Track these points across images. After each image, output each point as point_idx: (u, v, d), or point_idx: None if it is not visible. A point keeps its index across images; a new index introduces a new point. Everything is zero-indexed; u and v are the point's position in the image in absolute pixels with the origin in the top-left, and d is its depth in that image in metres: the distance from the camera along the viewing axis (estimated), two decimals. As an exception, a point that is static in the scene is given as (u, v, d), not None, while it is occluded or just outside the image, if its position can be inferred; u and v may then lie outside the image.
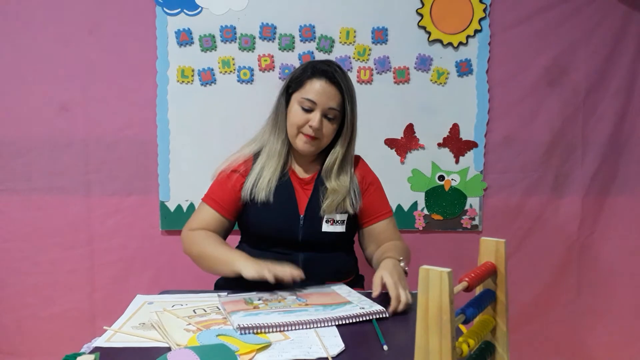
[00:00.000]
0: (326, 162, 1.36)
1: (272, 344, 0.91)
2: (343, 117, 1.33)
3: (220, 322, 1.04)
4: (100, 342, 0.92)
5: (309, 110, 1.28)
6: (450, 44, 1.91)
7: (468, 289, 0.71)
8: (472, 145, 1.96)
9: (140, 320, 1.05)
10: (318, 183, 1.35)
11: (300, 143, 1.31)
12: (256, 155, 1.37)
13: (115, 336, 0.96)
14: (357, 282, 1.45)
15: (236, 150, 1.41)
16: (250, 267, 1.15)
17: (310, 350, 0.88)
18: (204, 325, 1.01)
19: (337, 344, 0.91)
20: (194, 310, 1.11)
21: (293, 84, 1.33)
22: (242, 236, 1.45)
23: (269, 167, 1.33)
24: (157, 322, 1.02)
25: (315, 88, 1.28)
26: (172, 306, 1.14)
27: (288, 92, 1.34)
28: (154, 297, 1.21)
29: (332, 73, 1.29)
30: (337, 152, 1.35)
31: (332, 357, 0.86)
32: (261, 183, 1.31)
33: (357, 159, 1.45)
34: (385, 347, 0.92)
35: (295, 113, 1.30)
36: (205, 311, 1.11)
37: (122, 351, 0.89)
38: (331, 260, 1.35)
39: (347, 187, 1.34)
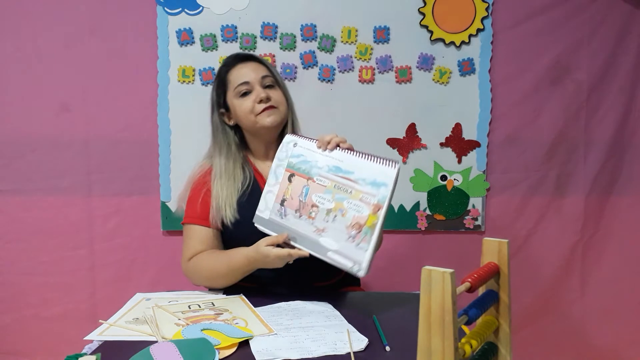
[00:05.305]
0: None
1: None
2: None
3: (211, 317, 1.06)
4: (94, 335, 0.97)
5: (249, 92, 1.32)
6: (452, 43, 1.90)
7: (471, 290, 0.70)
8: (474, 144, 1.95)
9: (135, 315, 1.08)
10: None
11: (264, 119, 1.31)
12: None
13: (108, 330, 1.00)
14: (352, 280, 1.43)
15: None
16: (276, 263, 1.16)
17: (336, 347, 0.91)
18: (195, 320, 1.03)
19: (360, 339, 0.94)
20: (188, 306, 1.14)
21: (219, 91, 1.37)
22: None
23: (224, 188, 1.31)
24: (151, 317, 1.04)
25: (240, 72, 1.34)
26: (169, 302, 1.16)
27: (219, 104, 1.37)
28: (152, 294, 1.24)
29: (242, 54, 1.39)
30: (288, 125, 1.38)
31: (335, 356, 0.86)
32: (223, 205, 1.29)
33: None
34: (387, 348, 0.91)
35: (240, 104, 1.32)
36: (200, 307, 1.13)
37: (113, 344, 0.94)
38: (317, 260, 1.27)
39: None
